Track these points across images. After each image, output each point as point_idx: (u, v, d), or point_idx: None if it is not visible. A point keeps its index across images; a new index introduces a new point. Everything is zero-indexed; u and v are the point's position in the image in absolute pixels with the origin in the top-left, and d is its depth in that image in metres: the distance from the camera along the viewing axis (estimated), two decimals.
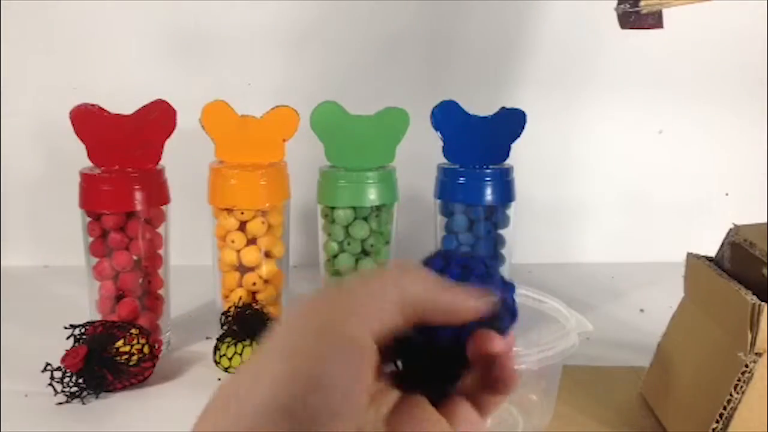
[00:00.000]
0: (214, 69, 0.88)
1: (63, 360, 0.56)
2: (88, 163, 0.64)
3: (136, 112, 0.63)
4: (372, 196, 0.66)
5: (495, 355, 0.29)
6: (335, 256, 0.69)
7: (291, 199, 0.69)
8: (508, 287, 0.32)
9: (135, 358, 0.57)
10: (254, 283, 0.66)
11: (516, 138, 0.70)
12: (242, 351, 0.60)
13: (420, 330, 0.28)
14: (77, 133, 0.63)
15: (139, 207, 0.63)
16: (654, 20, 0.60)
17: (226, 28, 0.87)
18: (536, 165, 0.88)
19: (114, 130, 0.63)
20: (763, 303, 0.41)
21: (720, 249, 0.50)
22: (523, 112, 0.69)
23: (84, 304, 0.66)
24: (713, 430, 0.43)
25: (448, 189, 0.70)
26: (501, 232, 0.71)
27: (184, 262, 0.73)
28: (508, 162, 0.71)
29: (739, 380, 0.43)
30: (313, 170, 0.69)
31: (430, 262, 0.30)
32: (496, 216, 0.70)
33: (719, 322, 0.46)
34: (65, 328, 0.58)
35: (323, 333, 0.25)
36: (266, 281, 0.66)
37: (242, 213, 0.65)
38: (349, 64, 0.89)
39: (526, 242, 0.85)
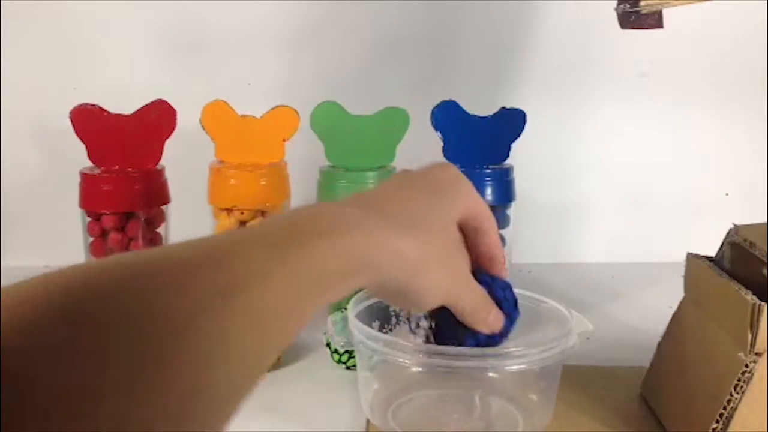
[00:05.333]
0: (214, 69, 0.88)
1: None
2: (88, 163, 0.64)
3: (136, 112, 0.63)
4: None
5: None
6: None
7: (291, 199, 0.69)
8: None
9: None
10: None
11: (516, 138, 0.70)
12: None
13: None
14: (77, 133, 0.63)
15: (139, 207, 0.63)
16: (654, 20, 0.60)
17: (226, 28, 0.87)
18: (536, 165, 0.88)
19: (114, 130, 0.63)
20: (763, 303, 0.41)
21: (720, 249, 0.50)
22: (523, 112, 0.69)
23: None
24: (713, 430, 0.43)
25: None
26: (501, 232, 0.71)
27: None
28: (508, 162, 0.71)
29: (739, 380, 0.43)
30: (313, 170, 0.69)
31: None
32: (496, 216, 0.70)
33: (719, 322, 0.46)
34: None
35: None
36: None
37: (242, 213, 0.65)
38: (349, 64, 0.89)
39: (526, 242, 0.85)
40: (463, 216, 0.40)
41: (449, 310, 0.41)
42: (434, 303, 0.39)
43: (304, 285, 0.29)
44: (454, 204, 0.40)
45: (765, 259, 0.44)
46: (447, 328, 0.43)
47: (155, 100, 0.64)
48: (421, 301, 0.38)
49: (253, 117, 0.65)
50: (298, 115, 0.65)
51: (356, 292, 0.54)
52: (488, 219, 0.42)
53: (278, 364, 0.62)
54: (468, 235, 0.41)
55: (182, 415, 0.23)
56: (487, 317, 0.41)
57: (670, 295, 0.54)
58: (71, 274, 0.24)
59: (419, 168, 0.42)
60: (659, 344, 0.55)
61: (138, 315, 0.23)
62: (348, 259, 0.32)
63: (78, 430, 0.20)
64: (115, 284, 0.24)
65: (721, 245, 0.50)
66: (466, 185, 0.41)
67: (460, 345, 0.43)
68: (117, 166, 0.64)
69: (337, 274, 0.31)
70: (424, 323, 0.45)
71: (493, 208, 0.69)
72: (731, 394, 0.43)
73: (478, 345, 0.43)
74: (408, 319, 0.47)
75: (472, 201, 0.41)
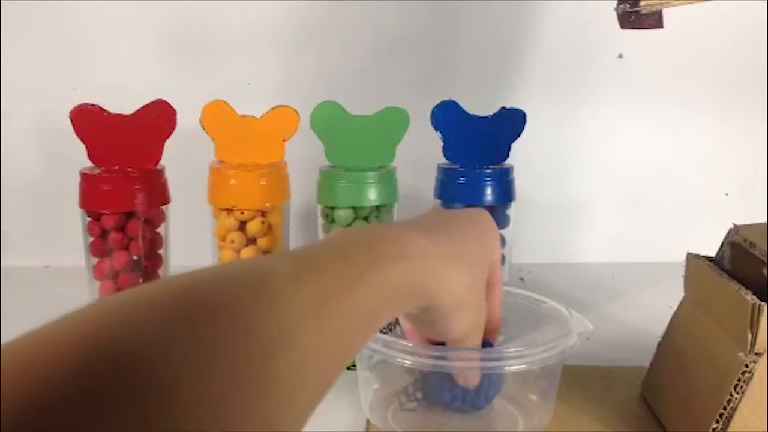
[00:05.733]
0: (214, 69, 0.88)
1: None
2: (88, 163, 0.64)
3: (136, 112, 0.63)
4: (372, 196, 0.66)
5: None
6: None
7: (291, 199, 0.69)
8: None
9: None
10: None
11: (516, 138, 0.70)
12: None
13: None
14: (77, 133, 0.63)
15: (139, 207, 0.63)
16: (654, 20, 0.60)
17: (226, 28, 0.87)
18: (536, 165, 0.88)
19: (114, 130, 0.63)
20: (763, 303, 0.41)
21: (720, 249, 0.50)
22: (523, 112, 0.69)
23: (84, 304, 0.66)
24: (713, 430, 0.43)
25: (448, 189, 0.70)
26: (501, 232, 0.71)
27: (184, 262, 0.72)
28: (508, 162, 0.71)
29: (739, 380, 0.43)
30: (313, 170, 0.69)
31: None
32: (496, 216, 0.70)
33: (719, 322, 0.46)
34: None
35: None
36: None
37: (242, 213, 0.65)
38: (349, 64, 0.89)
39: (526, 242, 0.85)
40: (489, 266, 0.42)
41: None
42: (455, 336, 0.40)
43: (375, 302, 0.31)
44: (491, 250, 0.42)
45: (765, 259, 0.44)
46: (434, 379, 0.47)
47: (155, 100, 0.64)
48: (448, 331, 0.40)
49: (253, 117, 0.65)
50: (298, 115, 0.65)
51: None
52: (500, 278, 0.43)
53: None
54: None
55: (273, 423, 0.24)
56: (472, 373, 0.44)
57: (670, 295, 0.54)
58: (176, 283, 0.25)
59: (454, 209, 0.46)
60: (659, 344, 0.55)
61: (241, 328, 0.24)
62: (412, 282, 0.34)
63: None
64: (217, 298, 0.25)
65: (721, 245, 0.50)
66: (498, 237, 0.43)
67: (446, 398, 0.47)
68: (117, 166, 0.64)
69: (403, 294, 0.34)
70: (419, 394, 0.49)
71: (493, 208, 0.69)
72: (731, 394, 0.43)
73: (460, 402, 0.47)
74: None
75: (498, 255, 0.43)
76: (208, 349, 0.22)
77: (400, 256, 0.34)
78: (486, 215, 0.44)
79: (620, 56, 0.89)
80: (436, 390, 0.48)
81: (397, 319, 0.55)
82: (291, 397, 0.25)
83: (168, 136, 0.64)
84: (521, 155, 0.71)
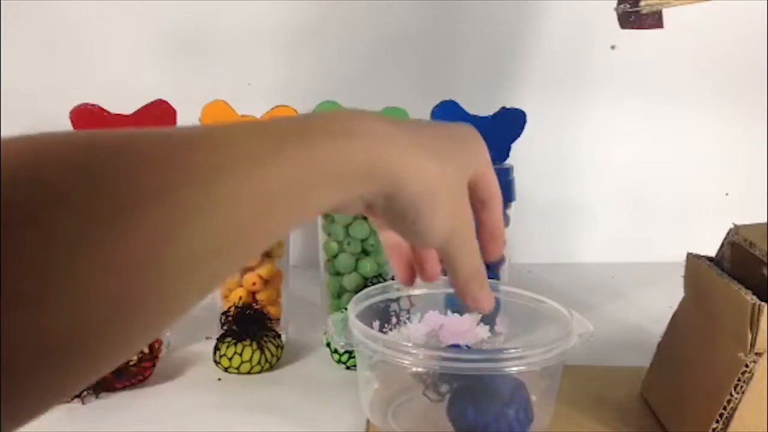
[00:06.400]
0: (214, 69, 0.88)
1: None
2: None
3: (136, 112, 0.63)
4: None
5: None
6: (335, 256, 0.69)
7: None
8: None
9: (135, 358, 0.57)
10: (254, 283, 0.66)
11: (516, 138, 0.70)
12: (242, 351, 0.60)
13: None
14: None
15: None
16: (654, 20, 0.60)
17: (226, 28, 0.87)
18: (536, 165, 0.88)
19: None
20: (763, 303, 0.41)
21: (720, 249, 0.50)
22: (523, 112, 0.69)
23: None
24: (713, 430, 0.43)
25: None
26: None
27: None
28: (508, 162, 0.71)
29: (739, 380, 0.43)
30: None
31: None
32: None
33: (719, 322, 0.46)
34: None
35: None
36: (266, 281, 0.66)
37: None
38: (349, 64, 0.89)
39: (526, 242, 0.85)
40: (474, 179, 0.37)
41: (469, 379, 0.43)
42: (436, 239, 0.35)
43: (306, 179, 0.28)
44: (473, 158, 0.37)
45: (765, 259, 0.44)
46: (466, 398, 0.46)
47: (155, 100, 0.64)
48: (425, 230, 0.34)
49: (253, 117, 0.65)
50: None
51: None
52: (496, 195, 0.39)
53: (277, 365, 0.62)
54: (473, 207, 0.37)
55: (129, 288, 0.22)
56: (479, 291, 0.37)
57: (670, 295, 0.54)
58: (40, 142, 0.24)
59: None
60: (659, 344, 0.55)
61: (103, 180, 0.23)
62: (366, 161, 0.31)
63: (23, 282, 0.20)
64: (83, 154, 0.24)
65: (721, 245, 0.50)
66: (485, 148, 0.39)
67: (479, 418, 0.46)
68: None
69: (350, 173, 0.30)
70: (444, 388, 0.47)
71: None
72: (731, 394, 0.43)
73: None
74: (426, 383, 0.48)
75: (487, 166, 0.38)
76: (92, 189, 0.22)
77: (346, 132, 0.30)
78: (471, 128, 0.39)
79: (613, 47, 0.88)
80: (462, 413, 0.47)
81: (398, 319, 0.55)
82: (150, 264, 0.23)
83: None
84: (521, 155, 0.71)
